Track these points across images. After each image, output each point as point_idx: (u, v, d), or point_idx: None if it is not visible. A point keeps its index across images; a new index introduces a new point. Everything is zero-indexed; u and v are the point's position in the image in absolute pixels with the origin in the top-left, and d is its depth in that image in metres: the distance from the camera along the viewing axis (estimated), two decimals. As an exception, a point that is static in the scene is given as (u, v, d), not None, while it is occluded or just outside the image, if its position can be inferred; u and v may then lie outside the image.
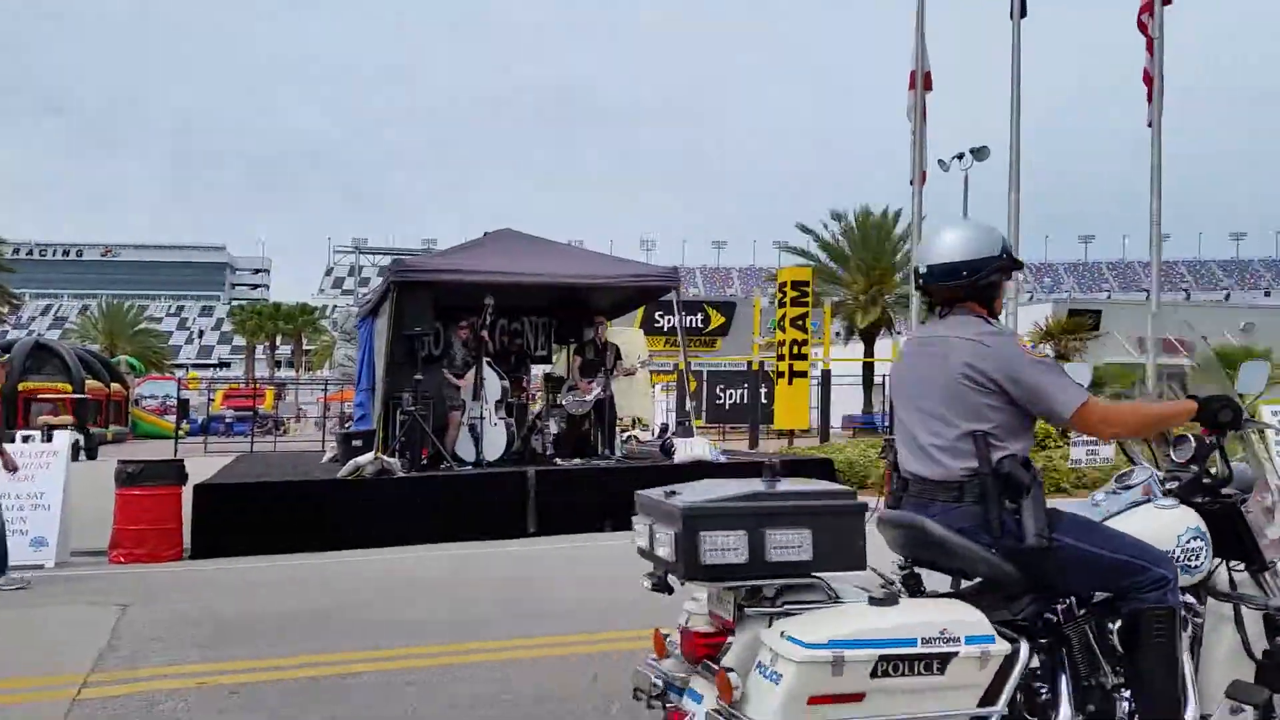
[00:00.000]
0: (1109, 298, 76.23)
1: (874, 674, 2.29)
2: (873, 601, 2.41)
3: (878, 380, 34.10)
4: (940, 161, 32.73)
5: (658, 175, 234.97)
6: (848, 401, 36.28)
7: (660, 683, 2.60)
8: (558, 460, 11.35)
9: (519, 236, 12.17)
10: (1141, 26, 17.52)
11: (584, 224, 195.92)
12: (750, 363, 27.34)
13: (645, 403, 14.14)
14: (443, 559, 8.43)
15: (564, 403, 11.88)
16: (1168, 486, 3.11)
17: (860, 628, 2.32)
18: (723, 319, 27.51)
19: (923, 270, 2.92)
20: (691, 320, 25.44)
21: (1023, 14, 17.63)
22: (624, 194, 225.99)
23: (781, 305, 20.38)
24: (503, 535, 9.52)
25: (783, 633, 2.31)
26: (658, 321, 24.61)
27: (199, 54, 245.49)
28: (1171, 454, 3.22)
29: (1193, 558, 2.93)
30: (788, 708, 2.25)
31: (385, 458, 9.79)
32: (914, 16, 18.07)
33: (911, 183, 17.94)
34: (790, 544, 2.37)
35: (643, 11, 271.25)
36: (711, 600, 2.56)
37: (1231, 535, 3.05)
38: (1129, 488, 3.15)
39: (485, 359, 11.39)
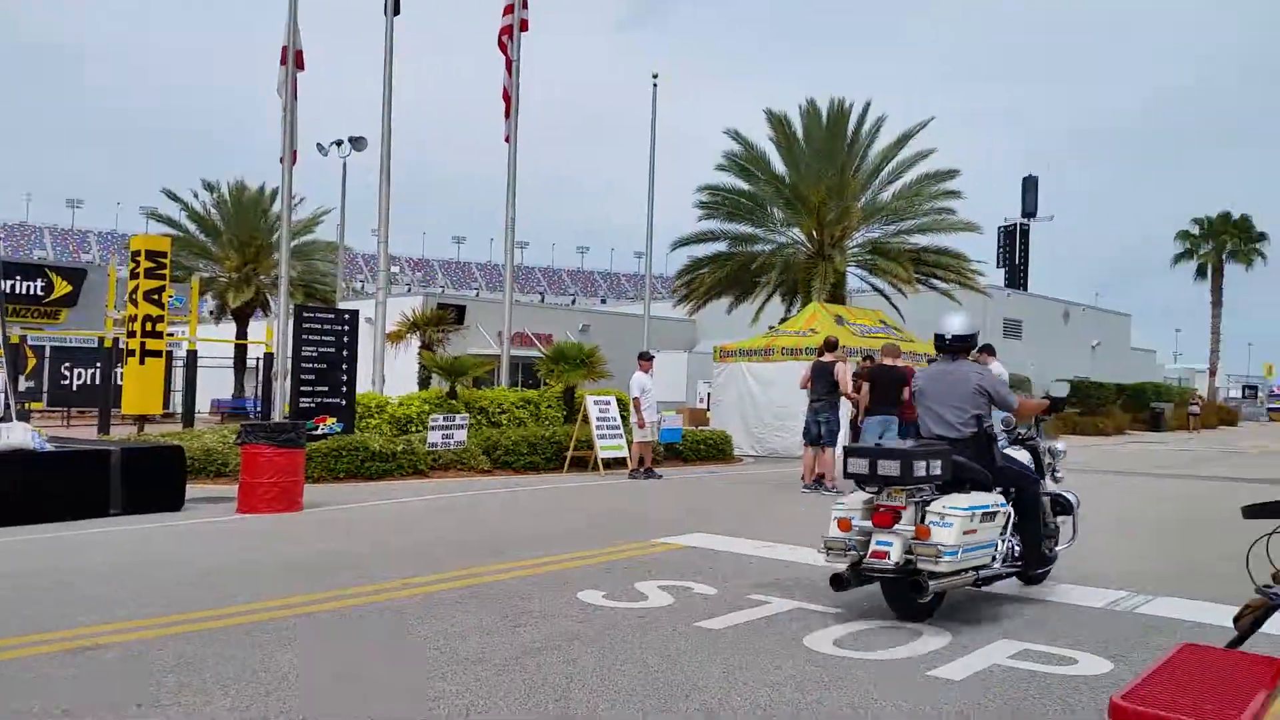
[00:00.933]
0: (477, 295, 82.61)
1: (980, 519, 5.40)
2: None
3: (251, 363, 32.67)
4: (319, 145, 32.49)
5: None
6: (219, 385, 34.16)
7: (855, 540, 5.41)
8: None
9: None
10: (502, 47, 19.25)
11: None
12: (102, 339, 24.26)
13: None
14: None
15: None
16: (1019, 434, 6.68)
17: (974, 500, 5.48)
18: (70, 287, 23.90)
19: (948, 337, 6.21)
20: (28, 286, 21.71)
21: (396, 11, 18.15)
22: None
23: (135, 277, 18.41)
24: None
25: (946, 504, 5.33)
26: (-21, 286, 20.55)
27: None
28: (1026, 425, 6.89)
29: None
30: (956, 535, 5.18)
31: None
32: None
33: (281, 160, 17.42)
34: (934, 469, 5.35)
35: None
36: (881, 497, 5.38)
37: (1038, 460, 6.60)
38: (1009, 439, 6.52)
39: None
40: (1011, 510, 5.82)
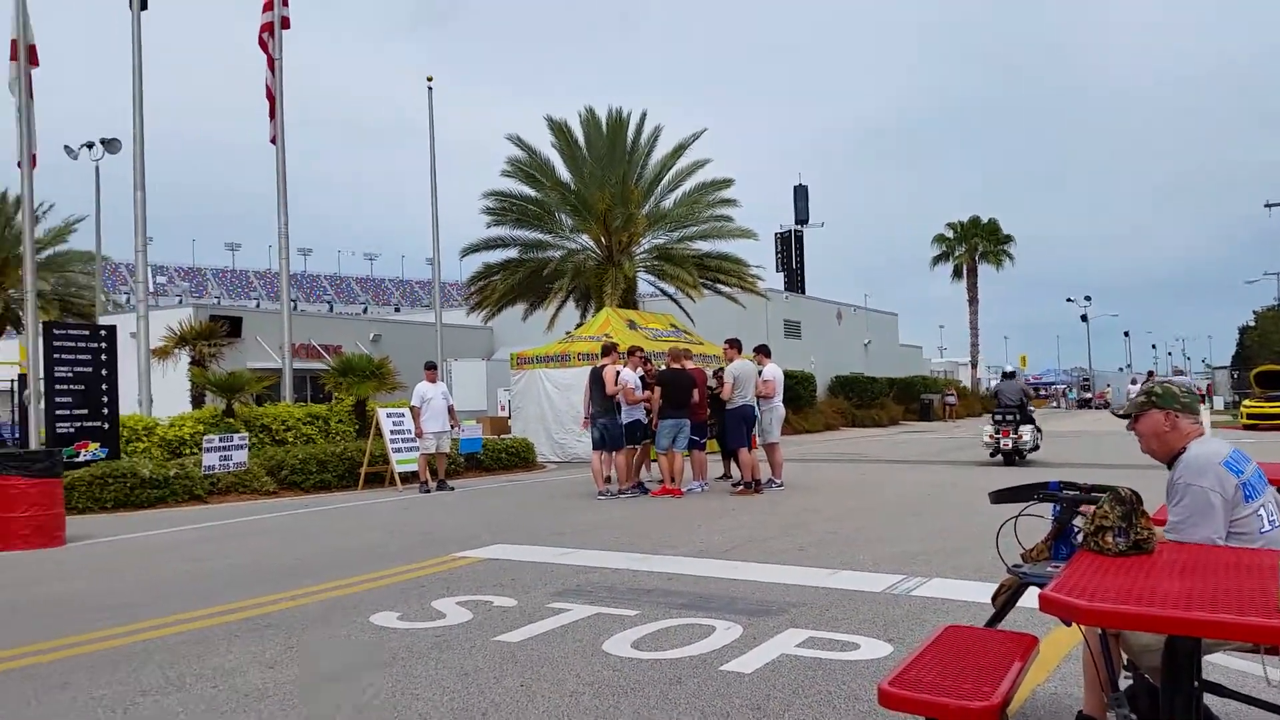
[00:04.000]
0: (257, 305, 78.49)
1: (1032, 432, 17.36)
2: None
3: (4, 386, 29.56)
4: (68, 148, 29.91)
5: None
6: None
7: (995, 440, 16.92)
8: None
9: None
10: (263, 45, 18.40)
11: None
12: None
13: None
14: None
15: None
16: None
17: (1029, 427, 17.37)
18: None
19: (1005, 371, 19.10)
20: None
21: (144, 6, 16.97)
22: None
23: None
24: None
25: (1022, 427, 17.18)
26: None
27: None
28: None
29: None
30: (1030, 435, 17.27)
31: None
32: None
33: (19, 165, 15.87)
34: (1020, 415, 17.31)
35: None
36: (1004, 424, 16.93)
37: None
38: None
39: None
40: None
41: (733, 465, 13.68)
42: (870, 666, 4.58)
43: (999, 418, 16.79)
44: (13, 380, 25.58)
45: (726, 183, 27.72)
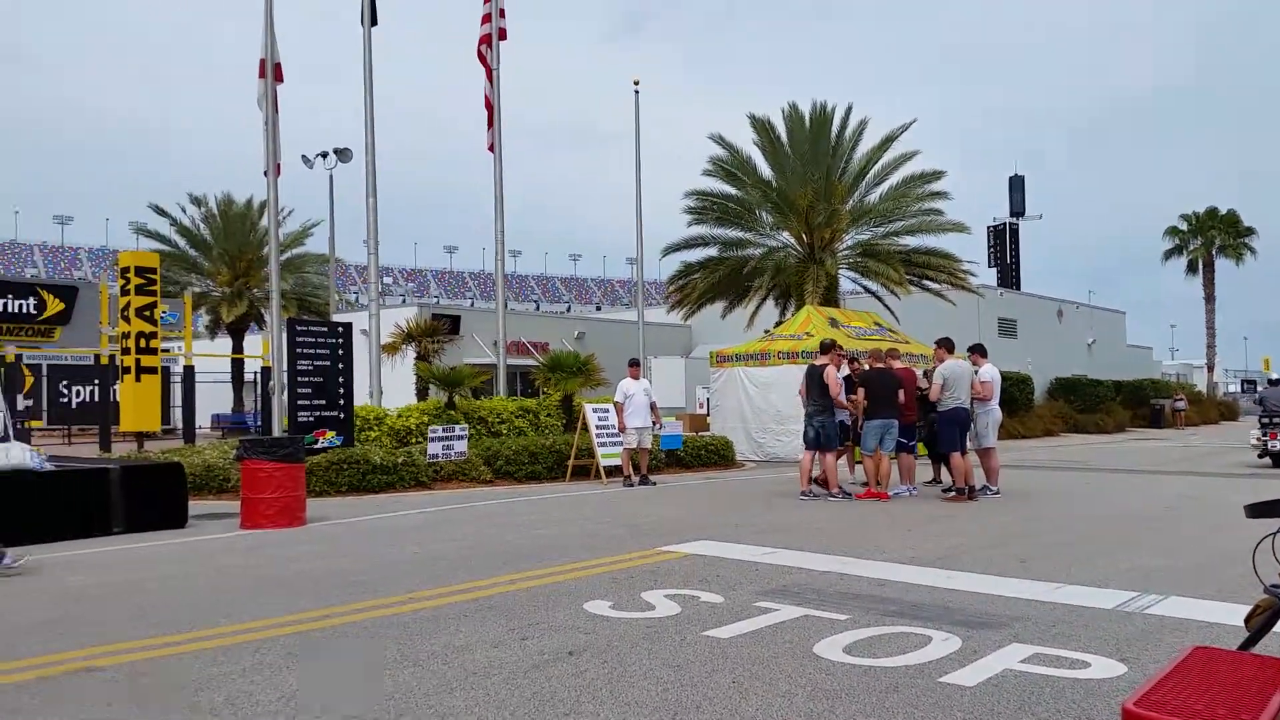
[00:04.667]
0: (472, 305, 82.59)
1: None
2: None
3: (249, 377, 32.60)
4: (305, 158, 32.49)
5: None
6: (218, 400, 34.10)
7: (1264, 443, 17.29)
8: None
9: None
10: (481, 57, 19.30)
11: None
12: (98, 356, 24.22)
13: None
14: None
15: None
16: None
17: None
18: (62, 305, 23.91)
19: (1271, 379, 22.80)
20: (21, 305, 21.63)
21: (373, 22, 18.16)
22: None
23: (126, 293, 18.37)
24: None
25: None
26: (-30, 305, 20.49)
27: None
28: None
29: None
30: None
31: None
32: (264, 3, 17.48)
33: (265, 174, 17.40)
34: None
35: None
36: (1270, 427, 17.38)
37: None
38: None
39: None
40: None
41: (943, 470, 13.19)
42: (1103, 686, 4.30)
43: (1265, 420, 17.59)
44: (256, 373, 28.16)
45: (936, 175, 26.76)
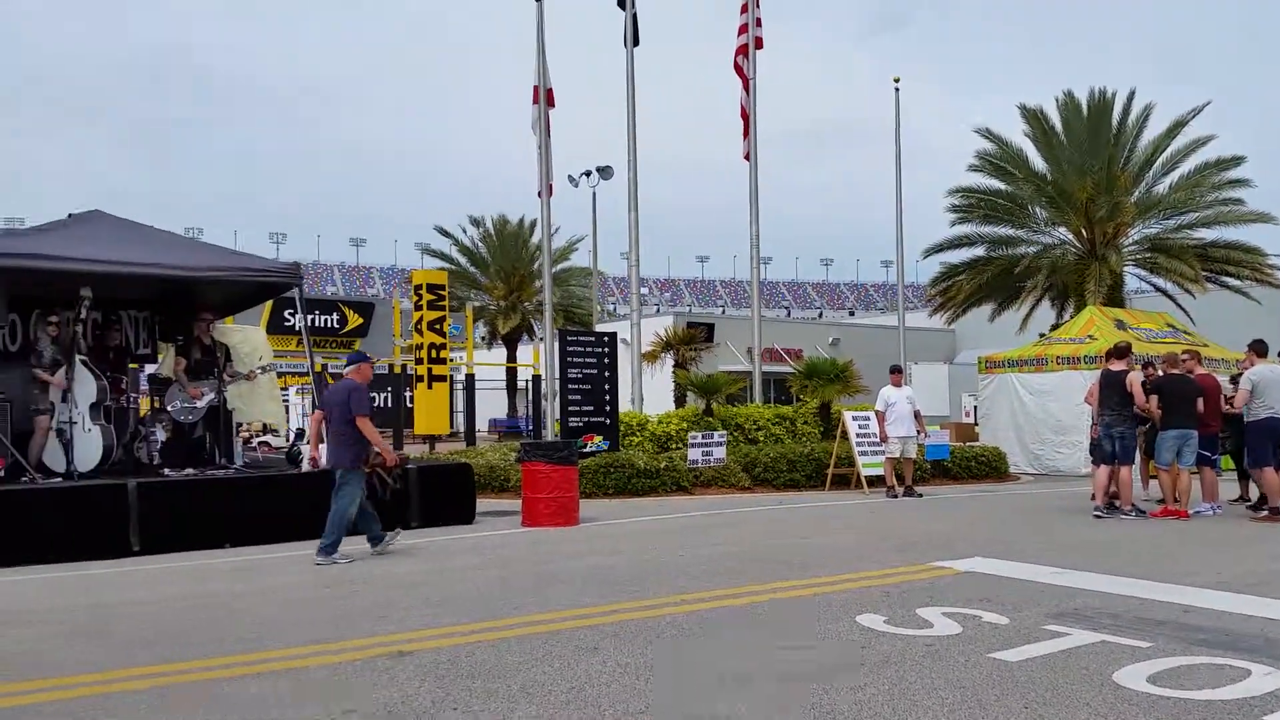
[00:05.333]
0: (723, 312, 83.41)
1: None
2: None
3: (521, 385, 34.69)
4: (570, 177, 34.08)
5: (291, 166, 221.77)
6: (494, 406, 36.52)
7: None
8: (166, 470, 10.29)
9: (112, 220, 10.73)
10: (737, 68, 19.43)
11: (204, 213, 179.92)
12: (392, 365, 26.66)
13: (274, 407, 13.23)
14: (15, 584, 7.31)
15: (171, 409, 10.77)
16: None
17: None
18: (361, 320, 26.60)
19: None
20: (326, 320, 24.28)
21: (635, 43, 18.75)
22: (251, 183, 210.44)
23: (419, 308, 20.06)
24: (100, 555, 8.46)
25: None
26: (287, 320, 23.13)
27: None
28: None
29: None
30: None
31: (-58, 471, 8.31)
32: (536, 32, 18.49)
33: (539, 194, 18.42)
34: None
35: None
36: None
37: None
38: None
39: (79, 356, 10.07)
40: None
41: (1251, 486, 11.85)
42: None
43: None
44: (527, 380, 29.85)
45: (1234, 161, 24.09)
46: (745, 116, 19.45)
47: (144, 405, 12.00)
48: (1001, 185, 25.72)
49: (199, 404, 10.73)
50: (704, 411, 17.37)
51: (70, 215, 11.06)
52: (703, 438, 14.57)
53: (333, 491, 8.36)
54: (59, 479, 9.55)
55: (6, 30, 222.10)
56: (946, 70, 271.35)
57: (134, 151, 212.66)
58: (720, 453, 14.59)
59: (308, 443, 9.79)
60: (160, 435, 10.93)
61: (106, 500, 8.80)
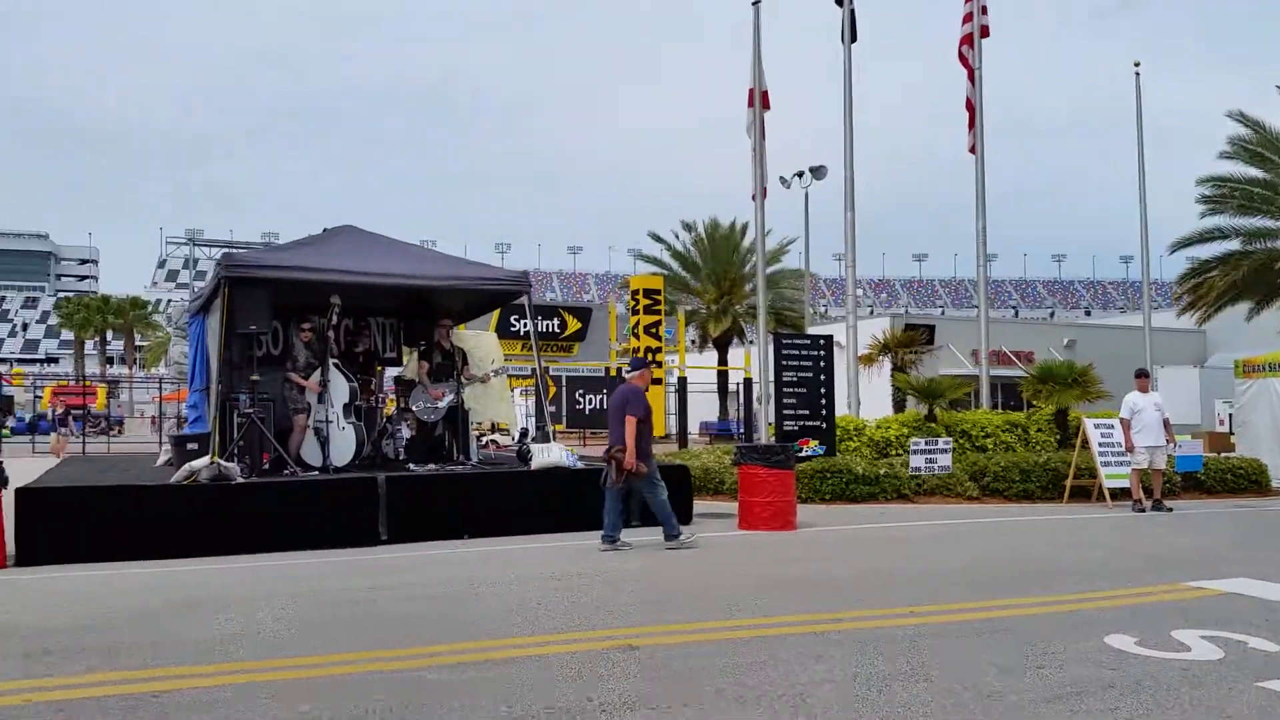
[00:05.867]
0: (943, 313, 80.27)
1: None
2: None
3: (732, 388, 34.81)
4: (782, 179, 33.77)
5: (512, 178, 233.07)
6: (705, 408, 36.83)
7: None
8: (411, 466, 11.05)
9: (361, 234, 11.67)
10: (962, 58, 18.61)
11: (436, 225, 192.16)
12: (608, 369, 27.42)
13: (504, 408, 13.94)
14: (283, 568, 8.06)
15: (415, 408, 11.57)
16: None
17: None
18: (579, 324, 27.57)
19: None
20: (548, 325, 25.25)
21: (853, 39, 18.33)
22: (479, 196, 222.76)
23: (635, 313, 20.52)
24: (352, 543, 9.20)
25: None
26: (513, 325, 24.25)
27: (32, 34, 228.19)
28: None
29: None
30: None
31: (223, 462, 9.30)
32: (752, 35, 18.46)
33: (753, 197, 18.36)
34: None
35: (497, 11, 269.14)
36: None
37: None
38: None
39: (332, 360, 10.99)
40: None
41: None
42: None
43: None
44: (738, 383, 29.90)
45: None
46: (970, 108, 18.65)
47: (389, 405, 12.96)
48: (1259, 173, 23.36)
49: (440, 404, 11.46)
50: (926, 417, 16.77)
51: (325, 230, 12.10)
52: (926, 444, 14.07)
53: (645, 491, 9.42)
54: (316, 472, 10.44)
55: (290, 64, 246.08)
56: (1183, 50, 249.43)
57: (378, 169, 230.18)
58: (945, 460, 14.04)
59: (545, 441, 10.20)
60: (405, 433, 11.75)
61: (359, 492, 9.55)
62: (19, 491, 8.48)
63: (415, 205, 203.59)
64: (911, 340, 20.17)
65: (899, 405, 19.89)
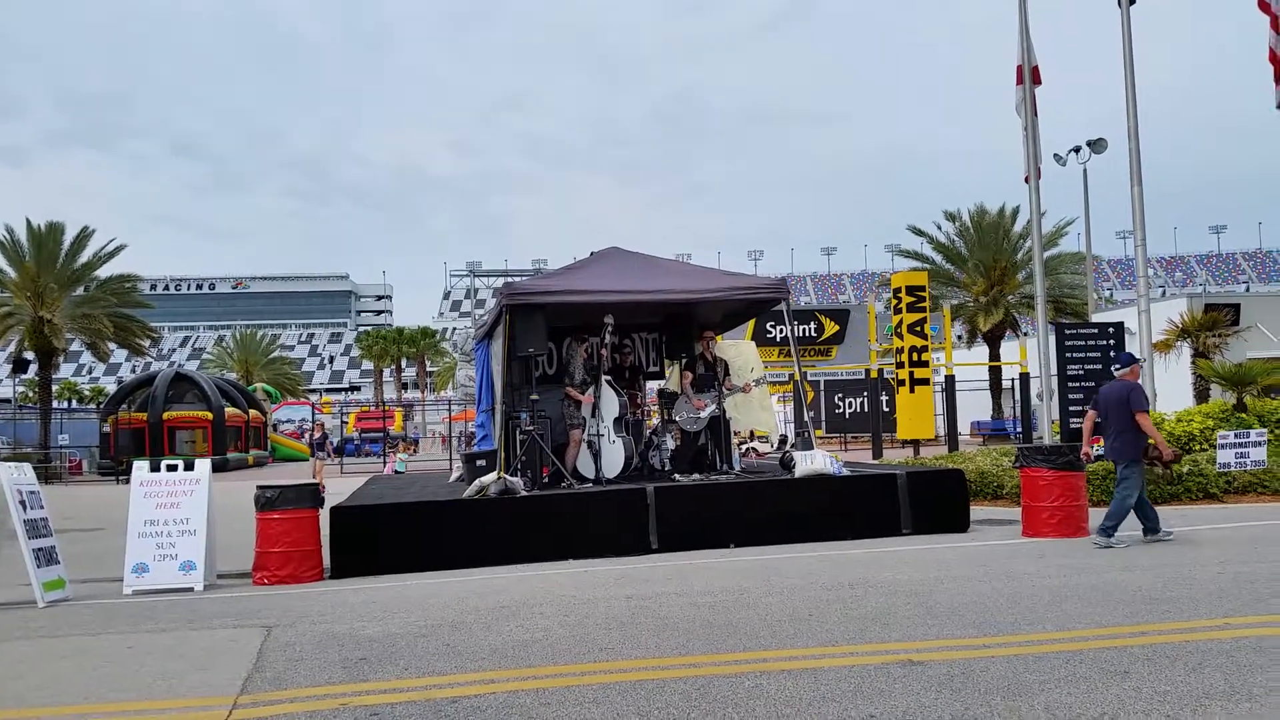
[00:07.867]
0: (1247, 289, 71.89)
1: None
2: None
3: (1006, 385, 32.97)
4: (1056, 156, 31.59)
5: (761, 183, 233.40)
6: (975, 407, 35.11)
7: None
8: (676, 476, 11.31)
9: (626, 254, 12.14)
10: (1263, 5, 16.58)
11: (691, 237, 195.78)
12: (868, 371, 26.80)
13: (765, 416, 13.96)
14: (564, 576, 8.48)
15: (678, 419, 11.85)
16: None
17: None
18: (836, 327, 27.10)
19: None
20: (804, 329, 25.03)
21: (1132, 2, 16.88)
22: (729, 204, 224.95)
23: (897, 311, 19.89)
24: (625, 553, 9.56)
25: None
26: (769, 332, 24.23)
27: (324, 94, 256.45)
28: None
29: None
30: None
31: (508, 477, 9.95)
32: (1018, 9, 17.46)
33: (1026, 179, 17.32)
34: None
35: (744, 16, 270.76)
36: None
37: None
38: None
39: (604, 376, 11.48)
40: None
41: None
42: None
43: None
44: (1013, 379, 28.22)
45: None
46: (1275, 60, 16.65)
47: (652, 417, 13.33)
48: None
49: (703, 414, 11.66)
50: (1234, 407, 15.06)
51: (592, 253, 12.68)
52: (1235, 437, 12.61)
53: (1115, 484, 9.25)
54: (589, 484, 10.93)
55: (534, 106, 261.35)
56: None
57: (629, 191, 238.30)
58: (1259, 454, 12.51)
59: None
60: (670, 444, 12.05)
61: (632, 503, 9.89)
62: (333, 510, 9.42)
63: (669, 219, 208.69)
64: (1214, 322, 18.22)
65: (1202, 395, 18.03)
